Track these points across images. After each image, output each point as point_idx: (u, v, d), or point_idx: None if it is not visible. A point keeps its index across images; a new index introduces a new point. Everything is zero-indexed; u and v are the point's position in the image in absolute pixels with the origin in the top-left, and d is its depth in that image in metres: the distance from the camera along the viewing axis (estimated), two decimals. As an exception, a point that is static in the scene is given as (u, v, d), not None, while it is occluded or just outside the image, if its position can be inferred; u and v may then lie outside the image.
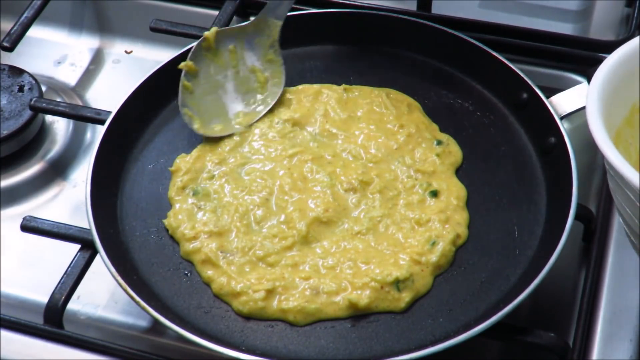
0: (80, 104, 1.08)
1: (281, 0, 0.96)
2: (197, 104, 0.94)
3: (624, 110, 0.78)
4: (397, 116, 0.95)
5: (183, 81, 0.94)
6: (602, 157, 0.71)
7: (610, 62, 0.76)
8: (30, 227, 0.89)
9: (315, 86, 0.98)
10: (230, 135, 0.94)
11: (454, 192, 0.89)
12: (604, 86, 0.75)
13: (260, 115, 0.95)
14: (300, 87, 0.98)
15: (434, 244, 0.84)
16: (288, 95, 0.97)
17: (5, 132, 1.00)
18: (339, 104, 0.96)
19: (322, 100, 0.96)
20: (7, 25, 1.09)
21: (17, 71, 1.06)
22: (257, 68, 0.97)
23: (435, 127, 0.95)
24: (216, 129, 0.94)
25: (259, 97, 0.97)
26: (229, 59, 0.97)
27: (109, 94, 1.10)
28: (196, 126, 0.93)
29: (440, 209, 0.87)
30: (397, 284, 0.81)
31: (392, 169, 0.90)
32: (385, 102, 0.96)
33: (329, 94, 0.97)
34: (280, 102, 0.96)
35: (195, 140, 0.95)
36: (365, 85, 0.98)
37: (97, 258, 0.85)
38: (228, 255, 0.85)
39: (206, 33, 0.96)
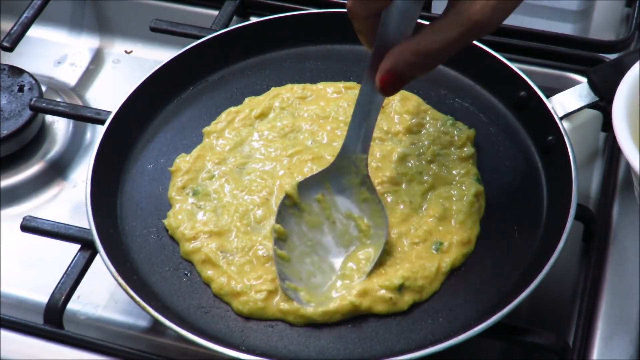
0: (80, 104, 1.08)
1: (358, 132, 0.83)
2: (297, 272, 0.82)
3: None
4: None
5: (276, 251, 0.82)
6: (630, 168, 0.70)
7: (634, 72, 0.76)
8: (30, 227, 0.89)
9: (323, 84, 0.98)
10: (230, 136, 0.94)
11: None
12: (629, 96, 0.74)
13: (372, 264, 0.82)
14: (320, 85, 0.98)
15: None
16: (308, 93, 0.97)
17: (5, 132, 1.00)
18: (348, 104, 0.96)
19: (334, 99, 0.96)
20: (7, 25, 1.09)
21: (17, 71, 1.06)
22: (353, 215, 0.84)
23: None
24: (328, 295, 0.81)
25: (364, 244, 0.84)
26: (319, 210, 0.85)
27: (109, 94, 1.10)
28: (305, 298, 0.81)
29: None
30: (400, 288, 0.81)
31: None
32: (397, 104, 0.95)
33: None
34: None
35: (195, 140, 0.95)
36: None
37: (97, 258, 0.85)
38: (228, 255, 0.85)
39: (287, 189, 0.84)
